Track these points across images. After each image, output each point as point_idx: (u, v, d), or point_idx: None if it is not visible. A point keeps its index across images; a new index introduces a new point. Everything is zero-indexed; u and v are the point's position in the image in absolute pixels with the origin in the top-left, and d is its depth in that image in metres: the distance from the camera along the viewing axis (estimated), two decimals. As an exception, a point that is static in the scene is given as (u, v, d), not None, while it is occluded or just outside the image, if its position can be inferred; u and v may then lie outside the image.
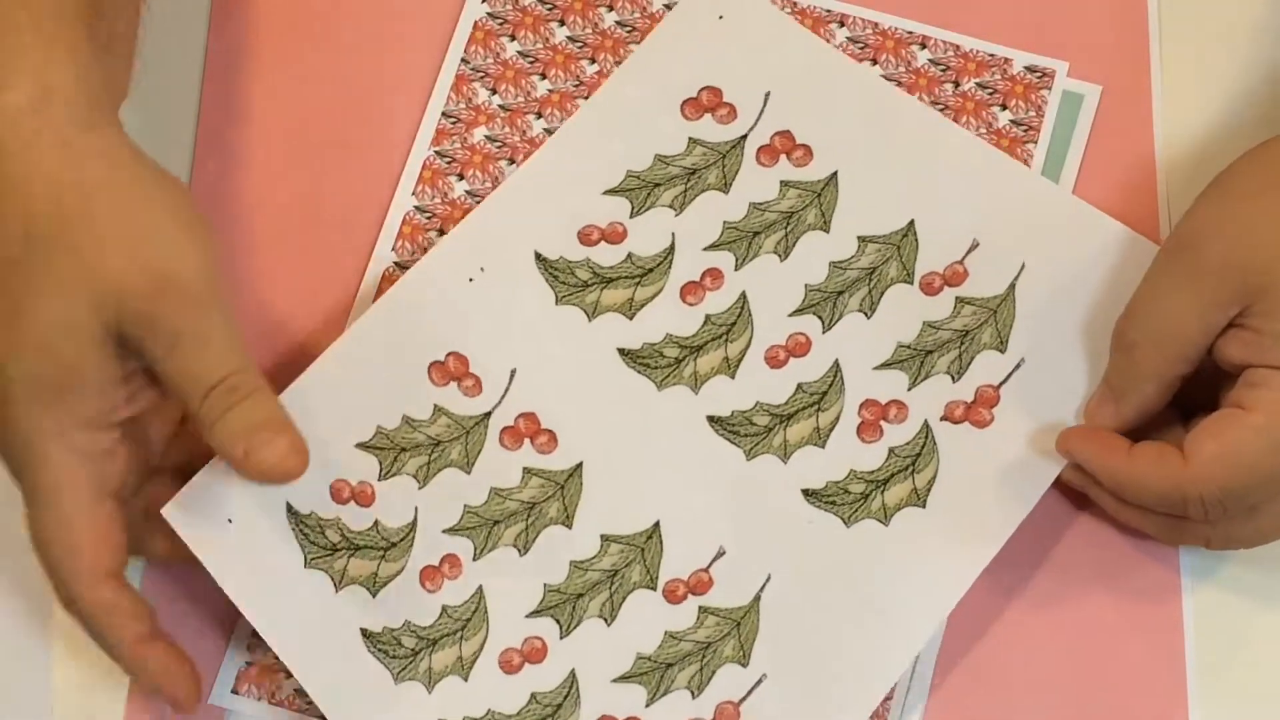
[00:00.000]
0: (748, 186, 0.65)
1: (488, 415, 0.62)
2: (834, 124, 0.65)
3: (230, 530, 0.59)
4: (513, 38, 0.69)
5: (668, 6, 0.68)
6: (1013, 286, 0.62)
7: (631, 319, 0.63)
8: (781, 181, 0.65)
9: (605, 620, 0.60)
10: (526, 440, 0.62)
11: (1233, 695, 0.59)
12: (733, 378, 0.62)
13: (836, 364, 0.62)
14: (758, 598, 0.59)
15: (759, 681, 0.58)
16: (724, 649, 0.59)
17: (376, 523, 0.60)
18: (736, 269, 0.64)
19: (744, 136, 0.66)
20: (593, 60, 0.68)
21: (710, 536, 0.60)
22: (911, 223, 0.64)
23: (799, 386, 0.62)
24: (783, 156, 0.65)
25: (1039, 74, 0.66)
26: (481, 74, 0.68)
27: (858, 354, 0.62)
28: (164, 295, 0.53)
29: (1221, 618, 0.60)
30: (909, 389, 0.62)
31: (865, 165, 0.65)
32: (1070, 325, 0.61)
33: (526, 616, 0.60)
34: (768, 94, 0.66)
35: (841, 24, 0.67)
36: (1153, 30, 0.67)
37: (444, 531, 0.60)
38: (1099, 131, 0.65)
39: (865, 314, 0.63)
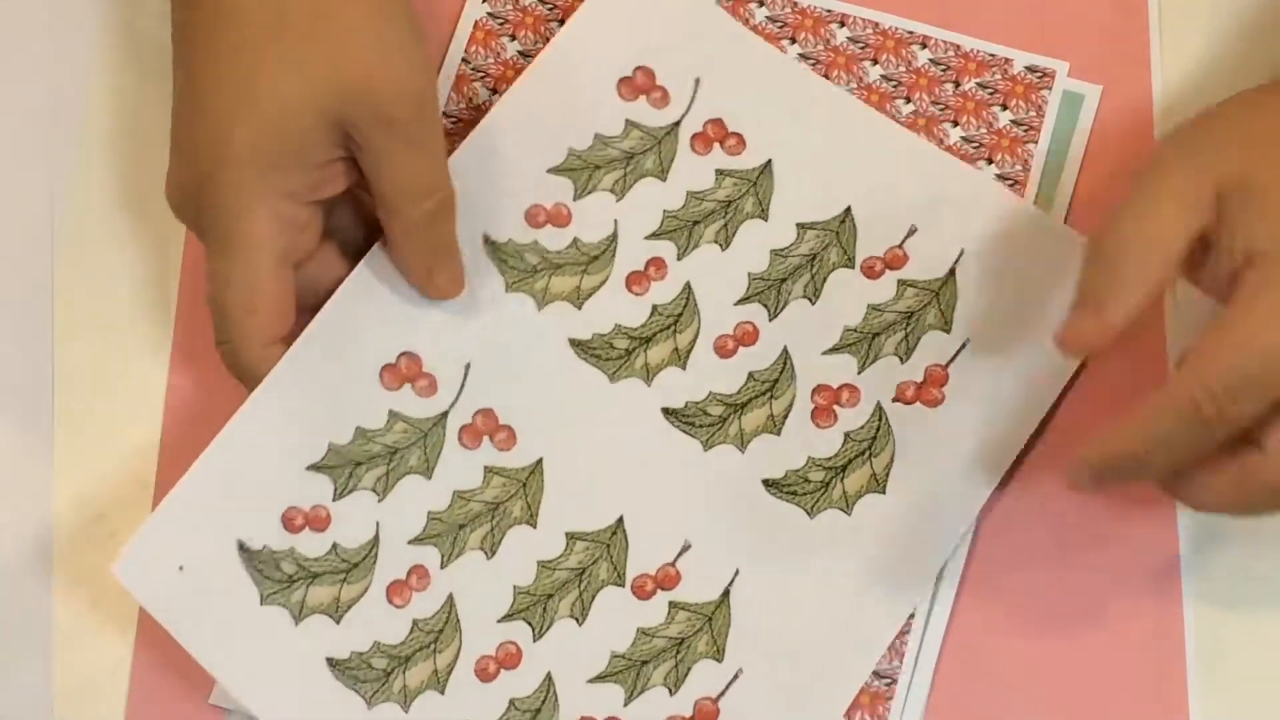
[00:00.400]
0: (684, 175, 0.64)
1: (445, 415, 0.60)
2: (763, 113, 0.65)
3: (182, 578, 0.57)
4: (513, 37, 0.67)
5: None
6: (953, 271, 0.63)
7: (580, 308, 0.62)
8: (717, 170, 0.65)
9: (577, 620, 0.59)
10: (485, 438, 0.61)
11: (1232, 691, 0.60)
12: (684, 369, 0.62)
13: (785, 351, 0.63)
14: (727, 592, 0.59)
15: (735, 676, 0.59)
16: (697, 644, 0.59)
17: (335, 546, 0.59)
18: (679, 259, 0.63)
19: (677, 123, 0.65)
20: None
21: (675, 530, 0.60)
22: (848, 209, 0.64)
23: (750, 375, 0.62)
24: (716, 145, 0.65)
25: (1039, 74, 0.66)
26: (482, 74, 0.67)
27: (805, 340, 0.63)
28: (403, 102, 0.56)
29: (1223, 614, 0.61)
30: (859, 372, 0.62)
31: (797, 153, 0.65)
32: (1011, 307, 0.63)
33: (498, 621, 0.59)
34: (698, 80, 0.65)
35: (842, 24, 0.67)
36: (1153, 30, 0.67)
37: (409, 542, 0.59)
38: (1099, 131, 0.65)
39: (810, 300, 0.63)
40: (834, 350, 0.63)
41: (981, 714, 0.60)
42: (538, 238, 0.63)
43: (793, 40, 0.67)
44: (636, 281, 0.63)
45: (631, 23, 0.65)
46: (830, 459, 0.61)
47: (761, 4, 0.67)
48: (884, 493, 0.61)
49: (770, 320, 0.63)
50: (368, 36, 0.56)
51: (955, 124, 0.66)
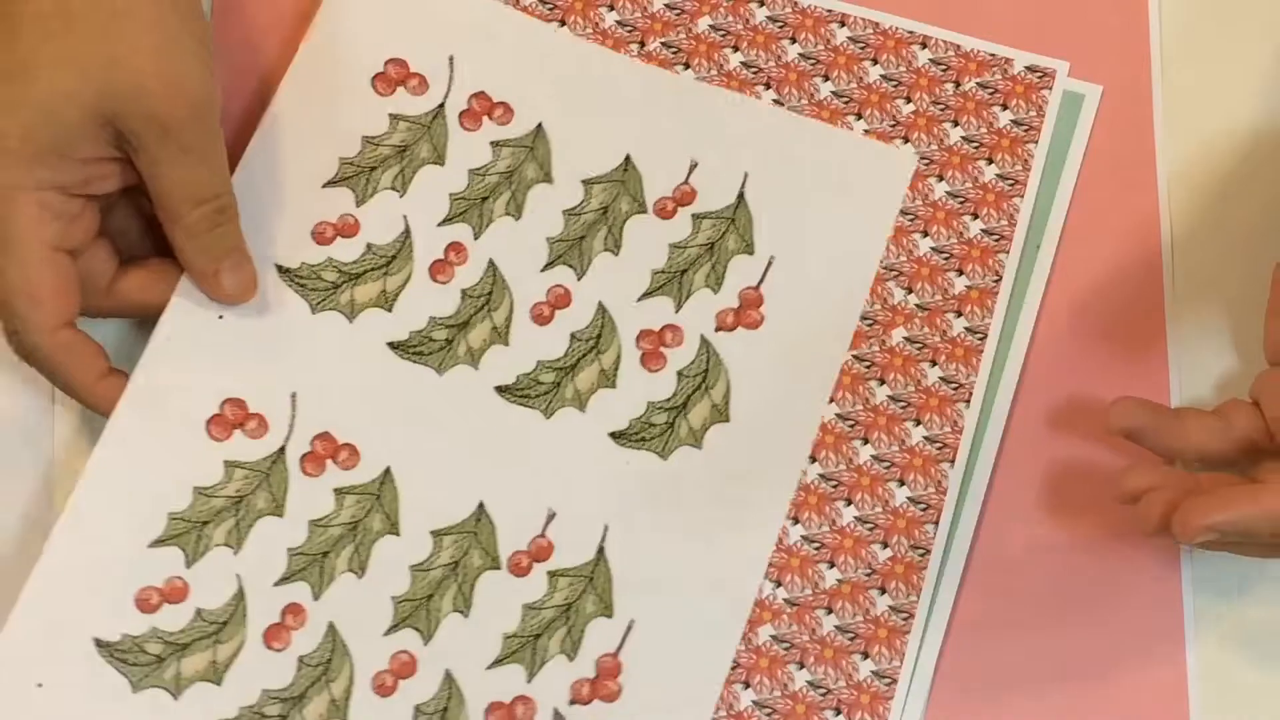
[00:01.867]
0: (461, 154, 0.64)
1: (282, 450, 0.60)
2: (524, 78, 0.65)
3: (44, 694, 0.56)
4: None
5: (668, 6, 0.66)
6: (741, 195, 0.64)
7: (391, 310, 0.62)
8: (491, 142, 0.65)
9: (462, 613, 0.59)
10: (328, 461, 0.60)
11: (1233, 691, 0.60)
12: (507, 344, 0.62)
13: (601, 306, 0.63)
14: (601, 549, 0.60)
15: (629, 628, 0.59)
16: (585, 606, 0.59)
17: (198, 611, 0.58)
18: (476, 238, 0.64)
19: (441, 105, 0.65)
20: (592, 60, 0.66)
21: (536, 503, 0.60)
22: (628, 157, 0.65)
23: (572, 336, 0.63)
24: (484, 118, 0.65)
25: (1039, 74, 0.66)
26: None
27: (617, 291, 0.63)
28: (179, 106, 0.56)
29: (1224, 614, 0.60)
30: (677, 311, 0.63)
31: (566, 112, 0.65)
32: (804, 215, 0.64)
33: (384, 635, 0.58)
34: (451, 58, 0.65)
35: (842, 24, 0.67)
36: (1153, 30, 0.67)
37: (275, 584, 0.58)
38: (1099, 131, 0.65)
39: (612, 252, 0.64)
40: (647, 295, 0.63)
41: (982, 714, 0.59)
42: (330, 254, 0.62)
43: (793, 40, 0.66)
44: (440, 270, 0.63)
45: (372, 18, 0.65)
46: (669, 400, 0.62)
47: (761, 4, 0.67)
48: (728, 420, 0.62)
49: (579, 279, 0.63)
50: (151, 39, 0.56)
51: (955, 124, 0.65)
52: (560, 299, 0.63)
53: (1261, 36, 0.67)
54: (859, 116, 0.66)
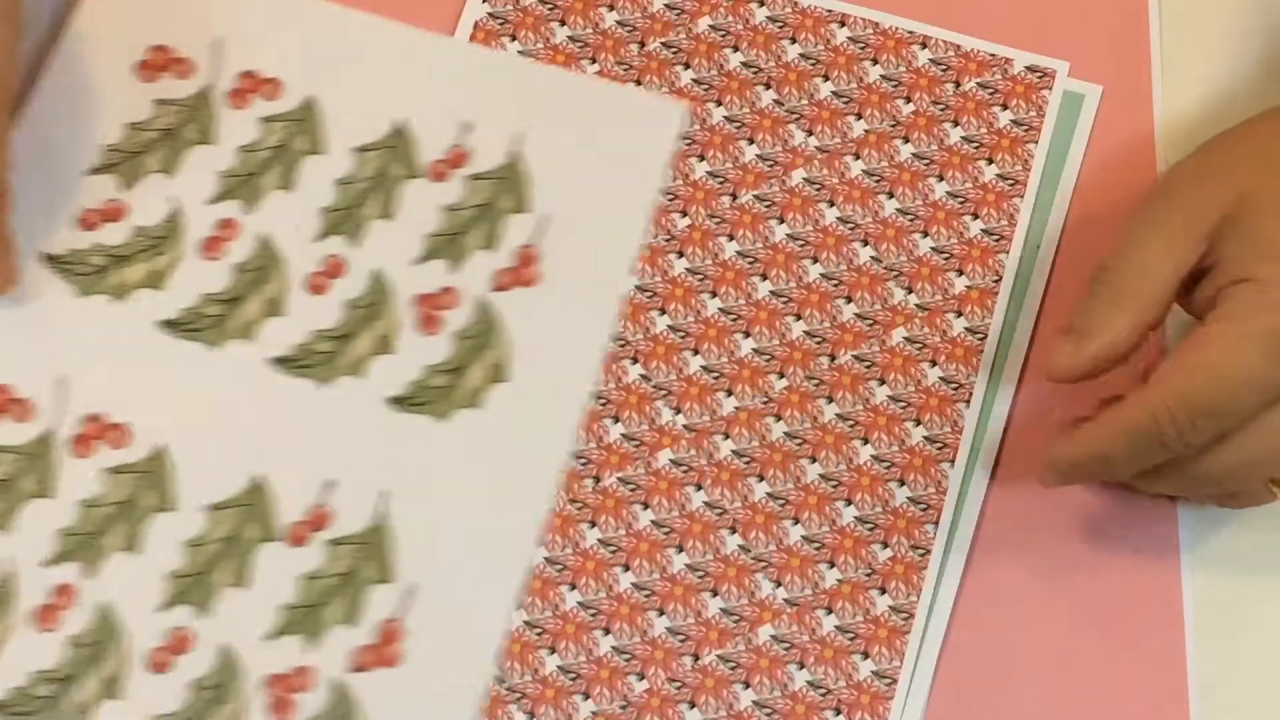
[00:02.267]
0: (230, 133, 0.64)
1: (51, 433, 0.59)
2: (292, 53, 0.65)
3: None
4: (513, 38, 0.66)
5: (668, 6, 0.66)
6: (515, 154, 0.64)
7: (162, 289, 0.62)
8: (260, 119, 0.64)
9: (240, 587, 0.58)
10: (98, 442, 0.60)
11: (1233, 691, 0.59)
12: (282, 316, 0.62)
13: (376, 273, 0.63)
14: (381, 515, 0.60)
15: (412, 592, 0.59)
16: (366, 572, 0.59)
17: None
18: (248, 213, 0.63)
19: (210, 86, 0.65)
20: (593, 60, 0.66)
21: (314, 472, 0.60)
22: (400, 122, 0.65)
23: (348, 304, 0.62)
24: (253, 96, 0.65)
25: (1039, 74, 0.66)
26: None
27: (393, 257, 0.63)
28: None
29: (1224, 613, 0.60)
30: (452, 273, 0.63)
31: (336, 83, 0.65)
32: (579, 173, 0.64)
33: (158, 612, 0.58)
34: (219, 40, 0.65)
35: (842, 24, 0.66)
36: (1153, 30, 0.66)
37: (43, 565, 0.58)
38: (1099, 131, 0.65)
39: (387, 218, 0.63)
40: (422, 259, 0.63)
41: (981, 714, 0.59)
42: (97, 239, 0.62)
43: (793, 40, 0.66)
44: (211, 247, 0.63)
45: (135, 6, 0.65)
46: (447, 362, 0.62)
47: (761, 4, 0.67)
48: (510, 380, 0.61)
49: (353, 248, 0.63)
50: None
51: (955, 124, 0.65)
52: (335, 268, 0.63)
53: (1261, 37, 0.67)
54: (859, 117, 0.65)
